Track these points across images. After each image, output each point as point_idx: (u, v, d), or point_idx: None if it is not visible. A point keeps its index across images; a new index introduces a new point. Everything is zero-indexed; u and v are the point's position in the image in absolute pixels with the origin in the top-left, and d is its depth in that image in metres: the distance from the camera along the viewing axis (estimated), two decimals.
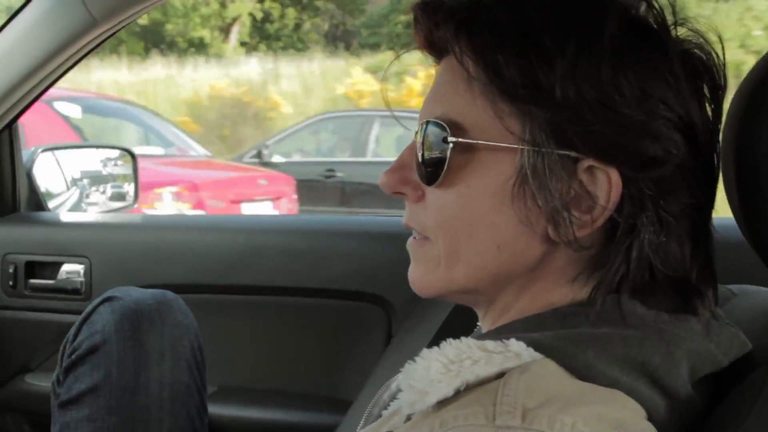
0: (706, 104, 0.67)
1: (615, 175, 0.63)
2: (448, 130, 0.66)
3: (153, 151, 6.20)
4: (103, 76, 12.60)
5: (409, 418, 0.66)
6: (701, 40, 0.68)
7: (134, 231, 1.80)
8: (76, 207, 2.15)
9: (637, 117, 0.62)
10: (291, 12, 17.44)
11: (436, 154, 0.67)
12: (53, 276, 1.74)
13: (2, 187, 1.82)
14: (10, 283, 1.75)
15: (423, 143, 0.69)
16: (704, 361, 0.65)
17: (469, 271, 0.68)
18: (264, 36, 17.22)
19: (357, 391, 1.30)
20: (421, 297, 0.73)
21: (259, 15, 17.08)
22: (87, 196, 2.16)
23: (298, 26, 17.66)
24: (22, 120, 1.75)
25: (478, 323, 0.77)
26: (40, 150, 1.98)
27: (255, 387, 1.62)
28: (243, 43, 16.88)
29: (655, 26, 0.67)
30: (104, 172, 2.21)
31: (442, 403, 0.60)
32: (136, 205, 2.21)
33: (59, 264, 1.74)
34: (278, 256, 1.62)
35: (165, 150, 6.46)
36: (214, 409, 1.48)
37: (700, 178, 0.66)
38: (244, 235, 1.70)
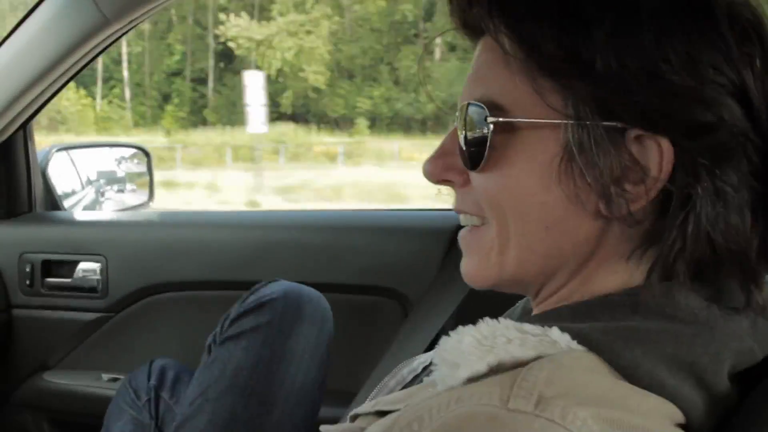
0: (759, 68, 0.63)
1: (666, 144, 0.60)
2: (487, 111, 0.64)
3: None
4: None
5: None
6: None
7: (150, 228, 1.81)
8: (92, 206, 2.16)
9: (685, 83, 0.59)
10: None
11: (477, 136, 0.65)
12: (70, 274, 1.75)
13: (17, 186, 1.83)
14: (27, 282, 1.76)
15: (465, 126, 0.67)
16: (744, 359, 0.63)
17: (519, 254, 0.66)
18: None
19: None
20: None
21: None
22: (102, 195, 2.17)
23: None
24: None
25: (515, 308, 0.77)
26: (54, 149, 1.99)
27: None
28: None
29: None
30: (119, 172, 2.22)
31: (472, 380, 0.59)
32: (152, 203, 2.22)
33: (75, 262, 1.75)
34: (293, 251, 1.62)
35: None
36: None
37: (759, 145, 0.62)
38: (260, 230, 1.70)
